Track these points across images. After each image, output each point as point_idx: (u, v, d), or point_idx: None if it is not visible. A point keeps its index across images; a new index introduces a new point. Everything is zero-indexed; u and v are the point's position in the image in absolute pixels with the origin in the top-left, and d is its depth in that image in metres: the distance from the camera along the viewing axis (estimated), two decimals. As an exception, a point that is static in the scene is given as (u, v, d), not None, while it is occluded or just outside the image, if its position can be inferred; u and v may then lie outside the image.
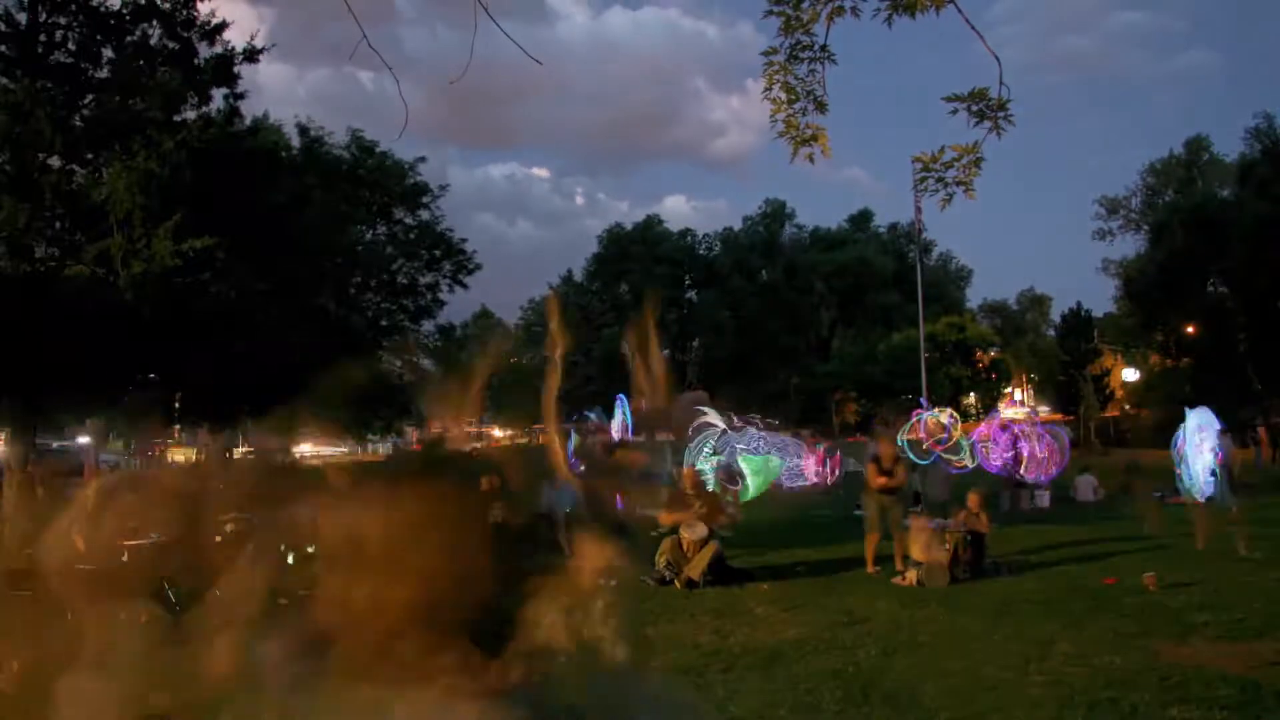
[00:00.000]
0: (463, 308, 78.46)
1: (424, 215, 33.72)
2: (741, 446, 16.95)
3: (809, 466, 23.63)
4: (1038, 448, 18.44)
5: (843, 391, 62.53)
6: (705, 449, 16.48)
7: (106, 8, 10.72)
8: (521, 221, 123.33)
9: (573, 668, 1.61)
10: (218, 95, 12.74)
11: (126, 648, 2.01)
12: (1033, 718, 5.03)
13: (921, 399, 22.08)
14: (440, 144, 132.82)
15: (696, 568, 9.41)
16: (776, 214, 69.13)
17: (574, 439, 17.74)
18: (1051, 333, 69.57)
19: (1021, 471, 18.19)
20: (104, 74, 11.02)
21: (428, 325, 36.16)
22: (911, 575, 9.28)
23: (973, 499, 10.72)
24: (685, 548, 9.62)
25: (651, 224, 69.74)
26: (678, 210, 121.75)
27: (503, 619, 1.59)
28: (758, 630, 7.37)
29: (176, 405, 21.90)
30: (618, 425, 17.78)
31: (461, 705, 1.44)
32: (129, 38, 11.02)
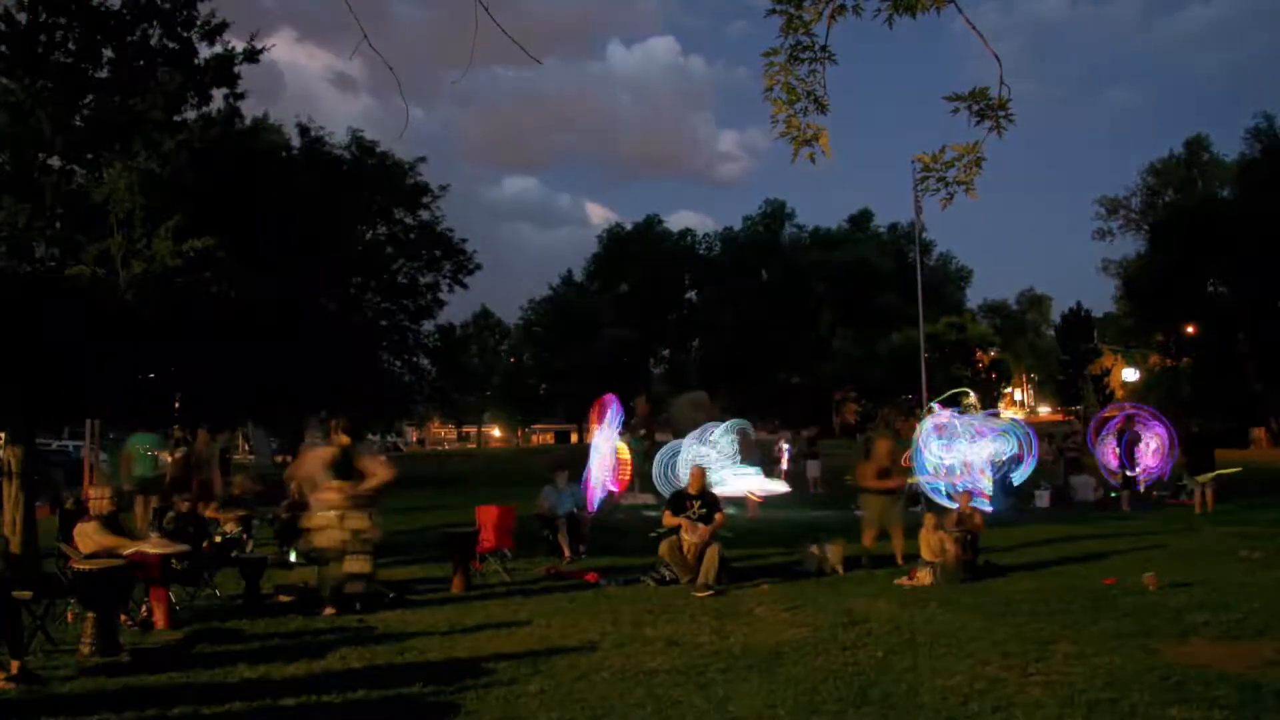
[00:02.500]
0: (463, 308, 78.65)
1: (424, 215, 33.68)
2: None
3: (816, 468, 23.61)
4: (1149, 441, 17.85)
5: (843, 391, 62.53)
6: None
7: (106, 8, 10.69)
8: (536, 229, 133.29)
9: None
10: (218, 95, 12.74)
11: None
12: (1033, 718, 5.03)
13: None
14: (479, 164, 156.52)
15: (709, 572, 9.29)
16: (776, 214, 69.10)
17: None
18: (1051, 333, 69.66)
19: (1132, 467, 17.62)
20: (104, 74, 10.98)
21: (427, 325, 36.14)
22: (923, 575, 9.28)
23: (963, 499, 10.87)
24: (685, 549, 9.61)
25: (651, 224, 69.70)
26: (682, 223, 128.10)
27: None
28: (758, 630, 7.37)
29: (176, 405, 21.91)
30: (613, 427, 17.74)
31: None
32: (129, 38, 10.99)
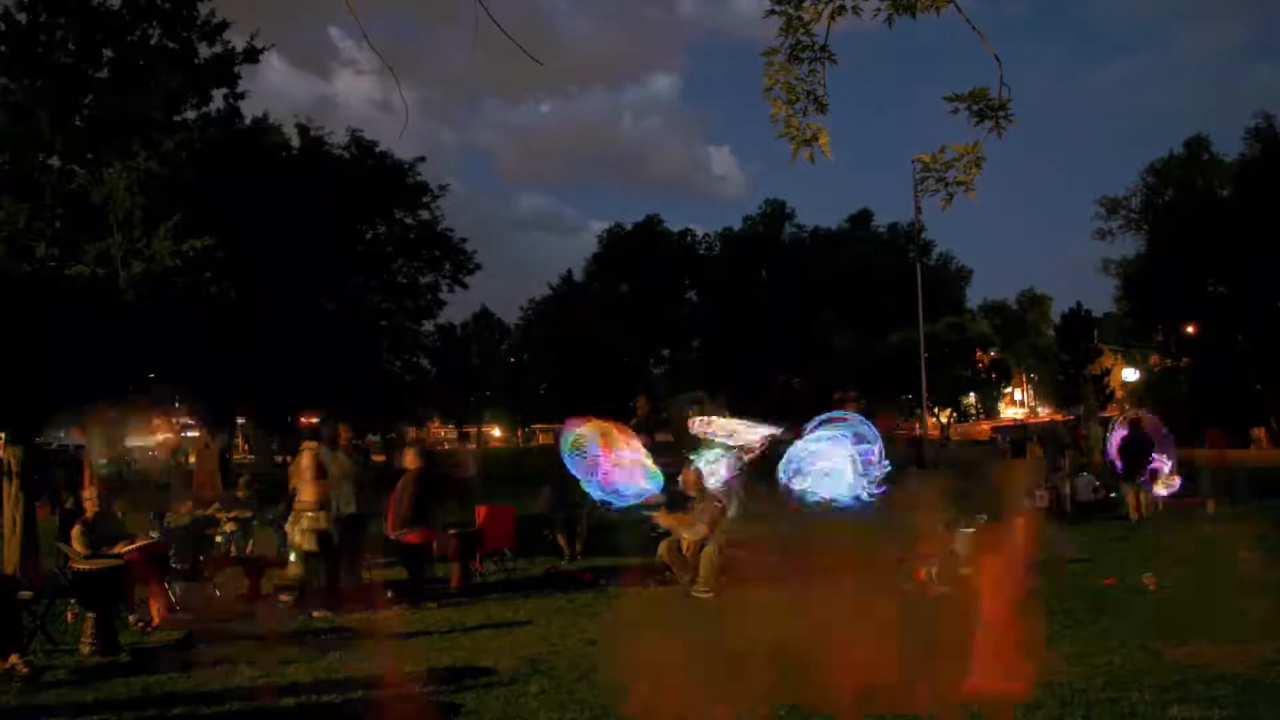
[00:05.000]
0: (463, 308, 78.79)
1: (424, 215, 33.66)
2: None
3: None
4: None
5: (843, 391, 62.38)
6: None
7: (106, 8, 10.68)
8: (552, 238, 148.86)
9: None
10: (218, 95, 12.76)
11: None
12: (1033, 718, 5.03)
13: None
14: (509, 181, 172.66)
15: (707, 573, 9.25)
16: (776, 214, 69.06)
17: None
18: (1051, 333, 69.61)
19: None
20: (104, 74, 10.98)
21: (427, 325, 36.17)
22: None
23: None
24: (684, 549, 9.60)
25: (652, 224, 69.66)
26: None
27: None
28: (757, 630, 7.37)
29: (176, 405, 21.88)
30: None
31: None
32: (129, 38, 10.99)
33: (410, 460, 9.20)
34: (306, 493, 8.76)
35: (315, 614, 8.27)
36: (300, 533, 8.66)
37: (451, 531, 10.09)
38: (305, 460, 8.98)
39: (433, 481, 9.48)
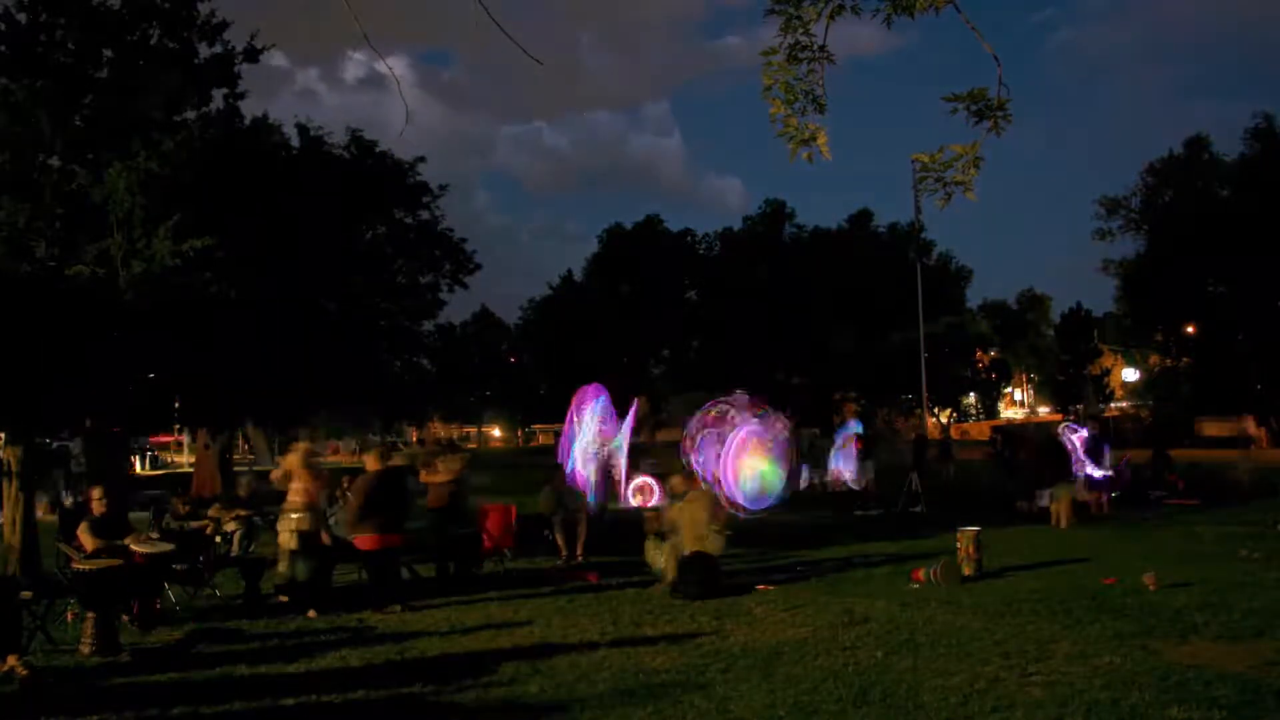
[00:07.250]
0: (463, 308, 78.93)
1: (424, 215, 33.60)
2: None
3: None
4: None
5: (843, 391, 62.48)
6: None
7: (106, 8, 10.69)
8: (561, 243, 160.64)
9: None
10: (218, 95, 12.79)
11: None
12: (1033, 718, 5.03)
13: None
14: (522, 192, 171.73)
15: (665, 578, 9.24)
16: (776, 214, 69.04)
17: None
18: (1051, 333, 69.65)
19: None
20: (104, 74, 10.99)
21: (427, 325, 36.09)
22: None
23: None
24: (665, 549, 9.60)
25: (652, 223, 69.68)
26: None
27: None
28: (758, 630, 7.37)
29: (176, 406, 21.85)
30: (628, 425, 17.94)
31: None
32: (129, 38, 10.99)
33: (370, 462, 9.10)
34: (294, 493, 8.78)
35: (311, 614, 8.26)
36: (287, 533, 8.68)
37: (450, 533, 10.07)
38: (293, 461, 9.00)
39: (396, 485, 9.29)
